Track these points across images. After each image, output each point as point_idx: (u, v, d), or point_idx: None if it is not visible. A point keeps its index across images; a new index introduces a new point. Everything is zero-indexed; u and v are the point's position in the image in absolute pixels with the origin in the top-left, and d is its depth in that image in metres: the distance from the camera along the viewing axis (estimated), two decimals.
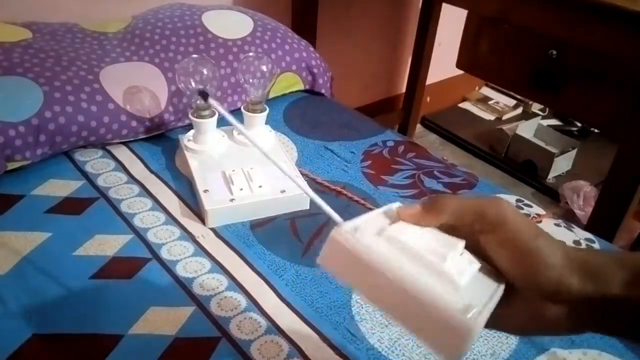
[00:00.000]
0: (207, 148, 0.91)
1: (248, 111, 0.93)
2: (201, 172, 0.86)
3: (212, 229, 0.79)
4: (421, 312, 0.32)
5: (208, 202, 0.80)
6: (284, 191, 0.83)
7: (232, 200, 0.81)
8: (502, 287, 0.37)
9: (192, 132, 0.93)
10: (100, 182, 0.86)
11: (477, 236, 0.37)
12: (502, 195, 0.96)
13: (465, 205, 0.37)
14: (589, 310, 0.36)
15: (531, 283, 0.36)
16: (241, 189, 0.82)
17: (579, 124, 2.14)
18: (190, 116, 0.89)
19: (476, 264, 0.37)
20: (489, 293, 0.36)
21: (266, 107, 0.95)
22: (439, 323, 0.32)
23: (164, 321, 0.64)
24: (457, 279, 0.34)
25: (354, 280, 0.35)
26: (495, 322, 0.36)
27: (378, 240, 0.36)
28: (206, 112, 0.89)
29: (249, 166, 0.86)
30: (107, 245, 0.74)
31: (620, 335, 0.39)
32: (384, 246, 0.35)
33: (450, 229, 0.38)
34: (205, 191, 0.82)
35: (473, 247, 0.38)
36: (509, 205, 0.36)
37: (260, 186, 0.83)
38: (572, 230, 0.89)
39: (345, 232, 0.35)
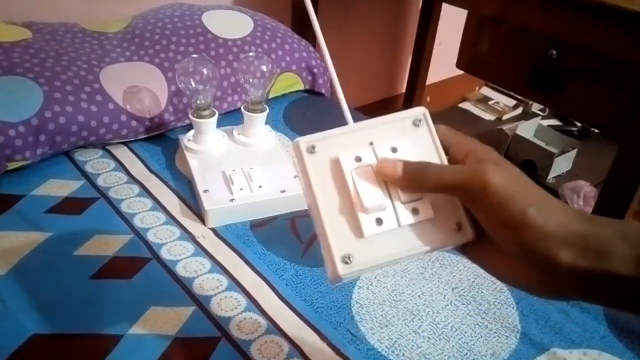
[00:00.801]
0: (207, 148, 0.91)
1: (248, 111, 0.93)
2: (201, 172, 0.86)
3: (212, 229, 0.79)
4: (322, 240, 0.37)
5: (208, 202, 0.79)
6: (284, 191, 0.83)
7: (232, 200, 0.80)
8: (454, 240, 0.37)
9: (192, 132, 0.93)
10: (100, 182, 0.86)
11: (465, 204, 0.37)
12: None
13: (446, 180, 0.35)
14: (576, 281, 0.33)
15: (517, 252, 0.34)
16: (241, 189, 0.82)
17: (579, 124, 2.14)
18: (190, 116, 0.89)
19: (422, 216, 0.37)
20: (416, 245, 0.37)
21: (266, 107, 0.95)
22: (326, 254, 0.37)
23: (164, 321, 0.64)
24: (366, 228, 0.36)
25: (301, 178, 0.39)
26: (478, 260, 0.38)
27: (330, 165, 0.38)
28: (206, 112, 0.89)
29: (249, 166, 0.86)
30: (107, 245, 0.74)
31: (606, 305, 0.37)
32: (327, 172, 0.38)
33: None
34: (205, 191, 0.81)
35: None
36: (496, 171, 0.33)
37: (260, 186, 0.83)
38: None
39: (304, 143, 0.39)
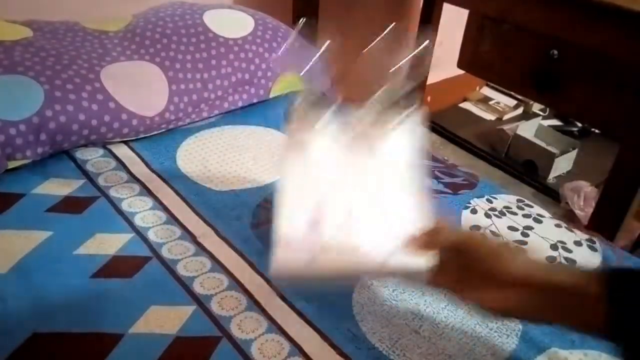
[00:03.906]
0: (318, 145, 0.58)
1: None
2: (291, 186, 0.56)
3: (213, 228, 0.79)
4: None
5: (279, 258, 0.51)
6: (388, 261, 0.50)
7: (311, 260, 0.50)
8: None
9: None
10: (101, 181, 0.86)
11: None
12: (502, 196, 0.96)
13: (458, 238, 0.53)
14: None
15: (502, 281, 0.50)
16: (331, 237, 0.50)
17: (579, 124, 2.14)
18: None
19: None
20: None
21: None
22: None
23: (165, 320, 0.64)
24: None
25: None
26: (472, 298, 0.53)
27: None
28: None
29: (356, 189, 0.54)
30: (108, 244, 0.74)
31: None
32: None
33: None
34: (284, 229, 0.53)
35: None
36: (488, 237, 0.54)
37: (362, 235, 0.51)
38: (572, 231, 0.89)
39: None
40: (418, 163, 0.55)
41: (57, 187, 0.84)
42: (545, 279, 0.49)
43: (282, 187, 0.54)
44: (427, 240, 0.51)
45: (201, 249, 0.75)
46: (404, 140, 0.55)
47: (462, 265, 0.51)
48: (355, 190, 0.53)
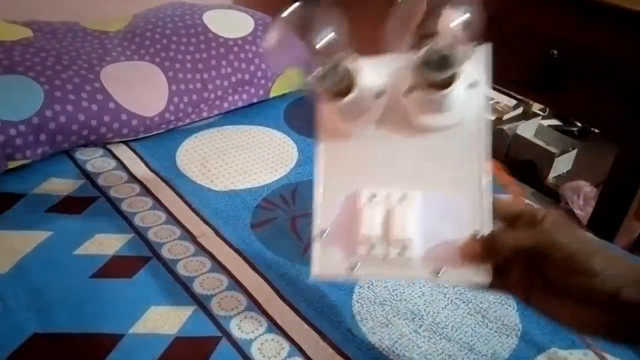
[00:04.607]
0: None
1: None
2: (329, 179, 0.49)
3: (213, 228, 0.79)
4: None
5: (319, 263, 0.47)
6: (440, 272, 0.44)
7: (354, 268, 0.46)
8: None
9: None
10: (100, 181, 0.86)
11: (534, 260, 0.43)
12: (502, 196, 0.96)
13: (520, 244, 0.42)
14: (638, 319, 0.39)
15: (583, 295, 0.41)
16: (372, 246, 0.45)
17: (579, 124, 2.14)
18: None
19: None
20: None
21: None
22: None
23: (165, 320, 0.64)
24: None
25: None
26: (543, 309, 0.44)
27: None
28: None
29: (403, 181, 0.46)
30: (108, 244, 0.74)
31: None
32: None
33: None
34: (322, 234, 0.47)
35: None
36: (559, 232, 0.41)
37: (405, 245, 0.44)
38: None
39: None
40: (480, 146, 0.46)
41: (57, 187, 0.84)
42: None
43: (322, 172, 0.48)
44: (485, 248, 0.43)
45: (201, 249, 0.75)
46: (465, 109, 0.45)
47: (532, 272, 0.44)
48: (405, 181, 0.45)
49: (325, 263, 0.46)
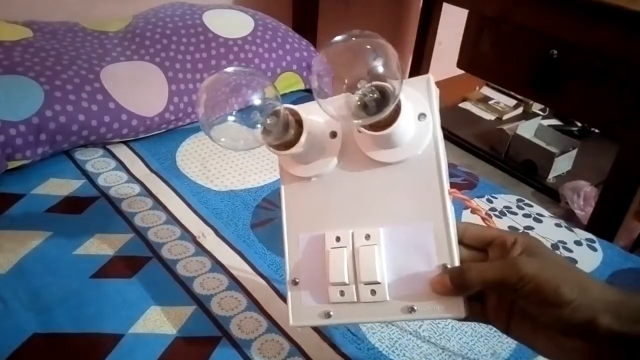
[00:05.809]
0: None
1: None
2: (293, 224, 0.48)
3: (213, 228, 0.79)
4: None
5: (294, 313, 0.47)
6: (413, 310, 0.43)
7: (327, 315, 0.46)
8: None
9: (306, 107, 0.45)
10: (100, 181, 0.86)
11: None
12: (502, 196, 0.96)
13: (487, 277, 0.40)
14: (615, 346, 0.37)
15: (558, 326, 0.39)
16: (341, 293, 0.44)
17: (579, 124, 2.14)
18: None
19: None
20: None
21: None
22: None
23: (165, 320, 0.64)
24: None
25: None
26: (522, 339, 0.43)
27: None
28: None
29: (369, 221, 0.45)
30: (108, 244, 0.74)
31: None
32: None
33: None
34: (295, 282, 0.47)
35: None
36: (528, 262, 0.39)
37: (374, 287, 0.44)
38: (572, 231, 0.89)
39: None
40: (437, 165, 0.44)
41: (57, 188, 0.84)
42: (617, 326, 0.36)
43: (285, 216, 0.48)
44: (454, 283, 0.41)
45: (201, 249, 0.75)
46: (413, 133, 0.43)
47: (506, 304, 0.43)
48: (369, 217, 0.44)
49: (300, 313, 0.46)
